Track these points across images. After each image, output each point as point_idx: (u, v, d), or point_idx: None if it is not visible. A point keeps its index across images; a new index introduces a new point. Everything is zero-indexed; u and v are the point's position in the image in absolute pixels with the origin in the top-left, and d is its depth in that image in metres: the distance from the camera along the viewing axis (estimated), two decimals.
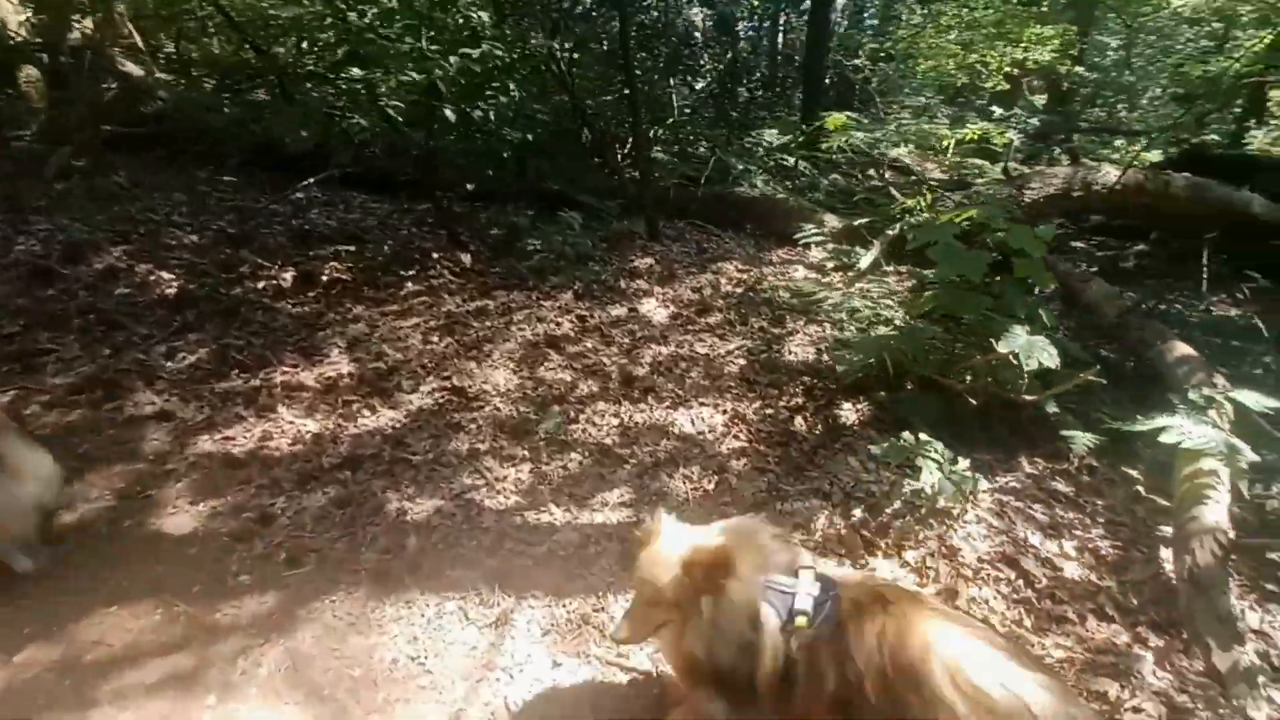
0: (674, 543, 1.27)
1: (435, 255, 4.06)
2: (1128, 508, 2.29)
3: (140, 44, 6.32)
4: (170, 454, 2.24)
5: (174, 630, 1.65)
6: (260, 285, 3.51)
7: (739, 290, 3.86)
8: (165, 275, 3.54)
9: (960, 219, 2.72)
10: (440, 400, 2.64)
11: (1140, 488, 2.37)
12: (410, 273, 3.81)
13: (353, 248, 4.14)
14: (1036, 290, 2.87)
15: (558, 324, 3.37)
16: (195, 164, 5.59)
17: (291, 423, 2.43)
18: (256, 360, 2.80)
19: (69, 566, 1.80)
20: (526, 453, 2.35)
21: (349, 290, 3.55)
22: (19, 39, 5.88)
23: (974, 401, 2.54)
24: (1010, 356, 2.15)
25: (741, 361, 3.05)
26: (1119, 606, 1.86)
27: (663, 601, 1.25)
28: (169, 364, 2.74)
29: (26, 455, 1.77)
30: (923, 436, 2.14)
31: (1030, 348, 2.10)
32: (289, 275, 3.66)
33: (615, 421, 2.57)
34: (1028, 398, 2.38)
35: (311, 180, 5.16)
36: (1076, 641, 1.74)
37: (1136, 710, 1.56)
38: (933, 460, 2.06)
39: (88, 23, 6.46)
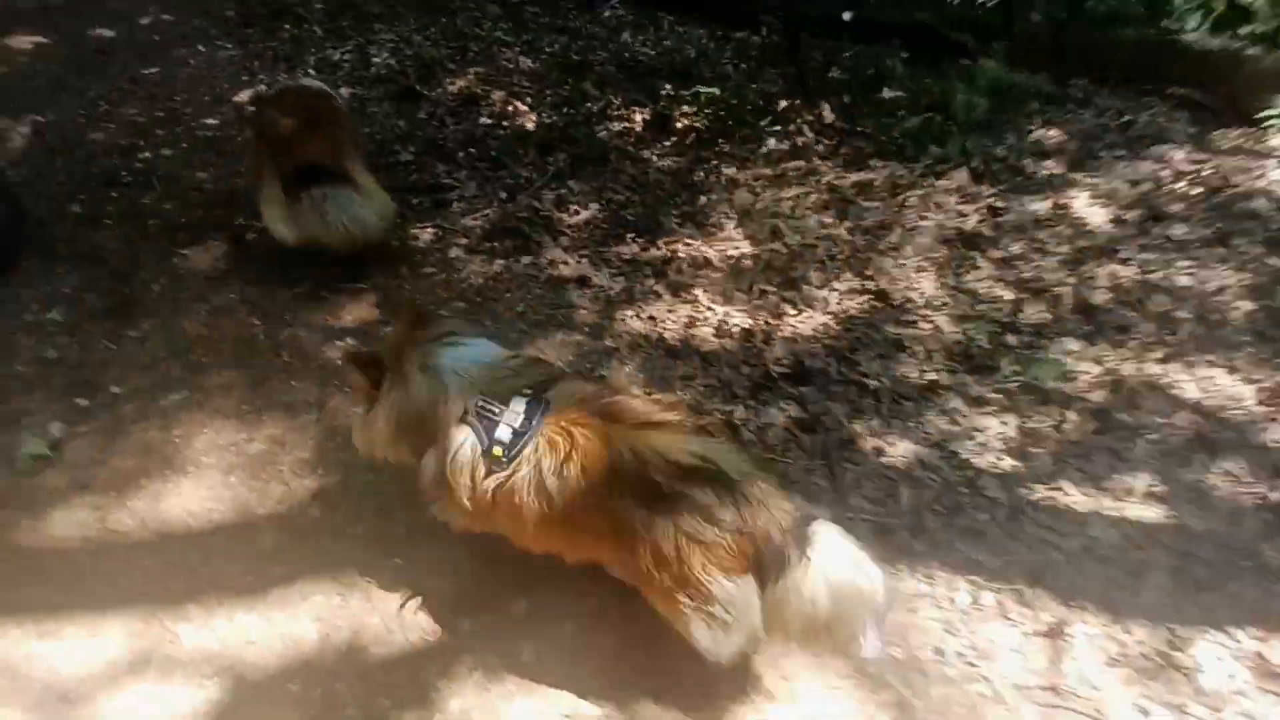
0: None
1: (784, 104, 3.43)
2: None
3: None
4: (603, 328, 2.08)
5: None
6: (616, 128, 3.16)
7: (1198, 191, 2.86)
8: (520, 106, 3.31)
9: None
10: (863, 305, 2.22)
11: None
12: (765, 124, 3.24)
13: (685, 86, 3.63)
14: None
15: (962, 215, 2.71)
16: None
17: (711, 309, 2.16)
18: (649, 222, 2.52)
19: None
20: (1000, 398, 1.90)
21: (705, 142, 3.10)
22: None
23: None
24: None
25: (1249, 305, 2.25)
26: None
27: None
28: (564, 217, 2.54)
29: (375, 190, 2.09)
30: None
31: None
32: (639, 118, 3.28)
33: (1094, 370, 2.01)
34: None
35: None
36: None
37: None
38: None
39: None
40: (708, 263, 2.34)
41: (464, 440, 1.17)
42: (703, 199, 2.66)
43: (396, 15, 4.34)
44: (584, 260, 2.33)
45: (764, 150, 3.07)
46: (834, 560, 1.07)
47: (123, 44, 3.74)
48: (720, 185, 2.77)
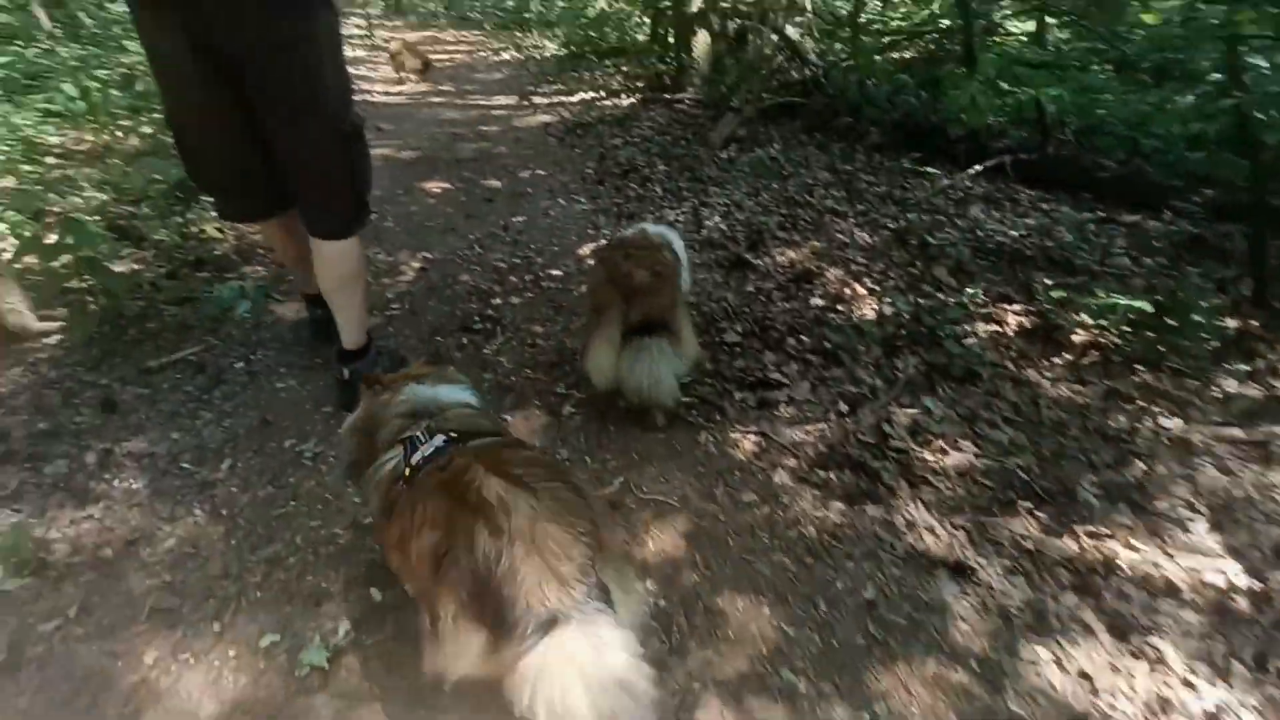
0: None
1: (1236, 324, 2.45)
2: None
3: (808, 4, 6.07)
4: (999, 672, 1.37)
5: None
6: (983, 331, 2.54)
7: None
8: (858, 289, 2.89)
9: None
10: None
11: None
12: (1215, 351, 2.31)
13: (1069, 280, 2.87)
14: None
15: None
16: (832, 138, 5.08)
17: (1192, 686, 1.32)
18: (1053, 487, 1.79)
19: None
20: None
21: (1119, 368, 2.29)
22: (701, 5, 6.27)
23: None
24: None
25: None
26: None
27: None
28: (925, 455, 1.94)
29: (691, 340, 2.01)
30: None
31: None
32: (1012, 321, 2.61)
33: None
34: None
35: (978, 169, 4.04)
36: None
37: None
38: None
39: None
40: (1170, 589, 1.50)
41: (391, 457, 1.27)
42: (1138, 464, 1.84)
43: (729, 179, 4.38)
44: (959, 533, 1.67)
45: (1220, 394, 2.14)
46: (584, 652, 0.92)
47: (504, 193, 4.31)
48: (1162, 445, 1.92)
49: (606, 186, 4.36)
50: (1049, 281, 2.87)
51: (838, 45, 6.55)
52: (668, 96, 6.42)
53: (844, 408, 2.13)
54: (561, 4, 13.47)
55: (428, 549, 1.05)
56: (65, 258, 2.25)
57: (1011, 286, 2.89)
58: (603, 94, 7.25)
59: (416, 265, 3.25)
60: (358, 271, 1.92)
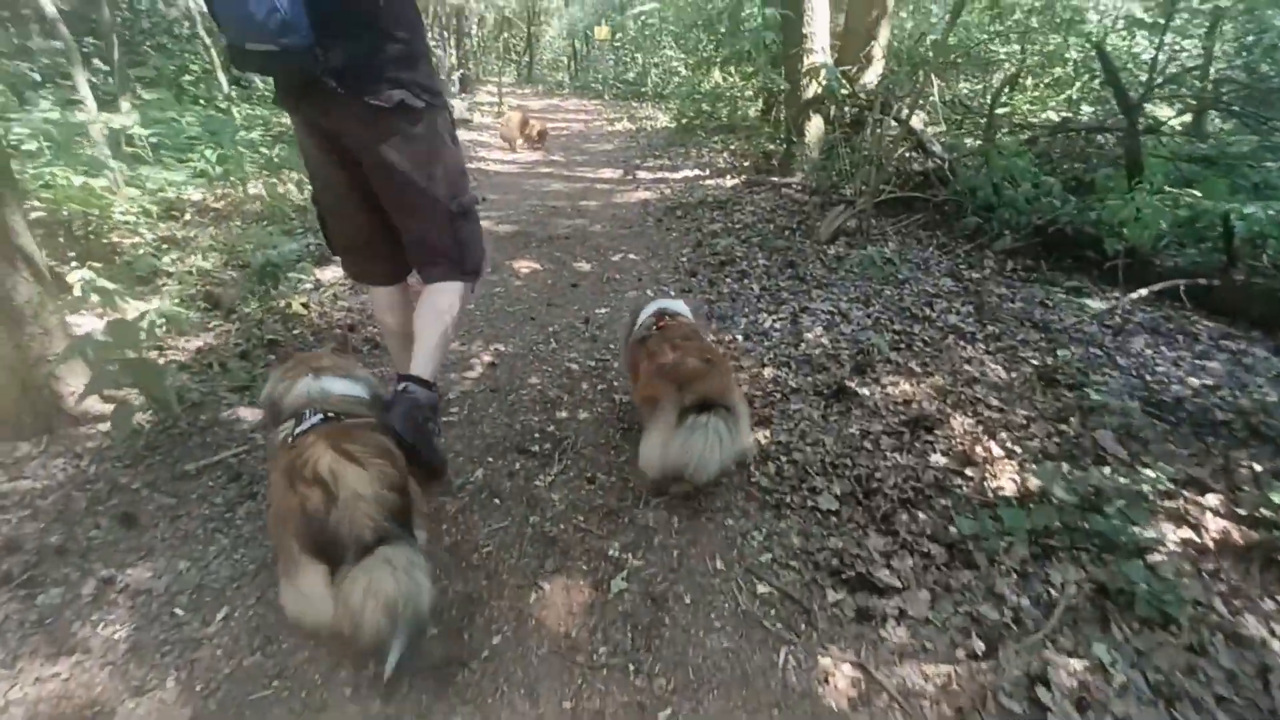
0: None
1: None
2: None
3: (936, 91, 5.65)
4: None
5: None
6: (1171, 535, 1.90)
7: None
8: (992, 449, 2.33)
9: None
10: None
11: None
12: None
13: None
14: None
15: None
16: (957, 239, 4.53)
17: None
18: None
19: None
20: None
21: None
22: (818, 90, 5.97)
23: None
24: None
25: None
26: None
27: None
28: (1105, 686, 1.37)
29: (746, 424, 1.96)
30: None
31: None
32: (1211, 523, 1.96)
33: None
34: None
35: (1142, 293, 3.35)
36: None
37: None
38: None
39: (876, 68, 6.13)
40: None
41: (288, 425, 1.55)
42: None
43: (836, 280, 3.93)
44: None
45: None
46: (381, 567, 1.26)
47: (591, 279, 4.09)
48: None
49: (700, 279, 4.03)
50: (1257, 467, 2.18)
51: (967, 137, 6.03)
52: (774, 180, 6.11)
53: (978, 644, 1.58)
54: (678, 79, 13.79)
55: (283, 509, 1.35)
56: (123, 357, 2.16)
57: (1204, 467, 2.21)
58: (707, 172, 7.06)
59: (487, 359, 3.02)
60: (447, 316, 1.97)
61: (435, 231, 1.90)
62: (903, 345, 3.13)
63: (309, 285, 3.64)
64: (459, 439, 2.41)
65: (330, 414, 1.53)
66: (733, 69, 11.18)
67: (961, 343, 3.14)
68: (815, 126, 6.09)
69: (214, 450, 2.18)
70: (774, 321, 3.41)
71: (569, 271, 4.20)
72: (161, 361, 2.58)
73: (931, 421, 2.48)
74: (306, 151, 1.87)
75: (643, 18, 15.25)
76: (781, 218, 5.19)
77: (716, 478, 1.91)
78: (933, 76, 5.53)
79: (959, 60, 6.11)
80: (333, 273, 3.85)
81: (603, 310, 3.59)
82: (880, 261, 4.09)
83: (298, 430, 1.48)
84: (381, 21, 1.66)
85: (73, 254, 3.39)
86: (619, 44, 21.05)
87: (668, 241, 4.80)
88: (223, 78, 10.00)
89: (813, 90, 5.87)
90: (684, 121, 10.90)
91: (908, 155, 5.27)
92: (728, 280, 3.99)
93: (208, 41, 9.96)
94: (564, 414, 2.59)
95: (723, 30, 11.32)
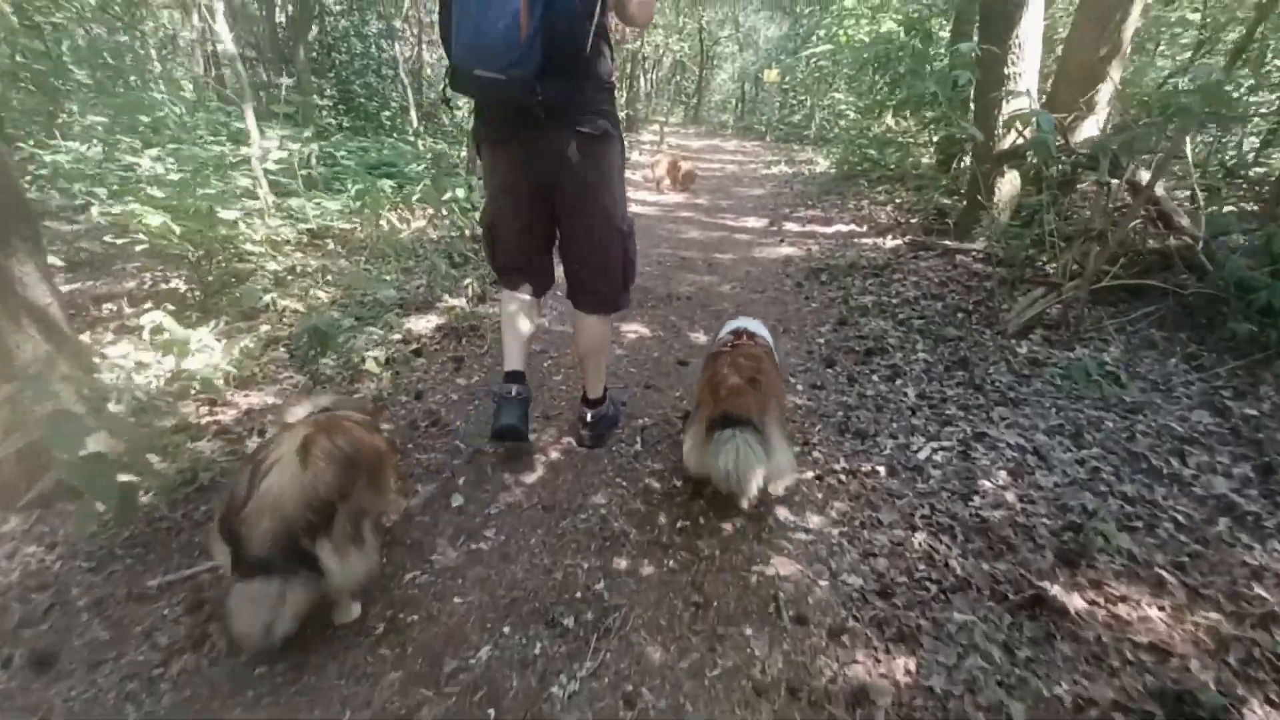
0: None
1: None
2: None
3: (1187, 150, 4.26)
4: None
5: None
6: None
7: None
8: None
9: None
10: None
11: None
12: None
13: None
14: None
15: None
16: (1218, 351, 3.20)
17: None
18: None
19: None
20: None
21: None
22: (1021, 138, 4.81)
23: None
24: None
25: None
26: None
27: None
28: None
29: (783, 449, 1.94)
30: None
31: None
32: None
33: None
34: None
35: None
36: None
37: None
38: None
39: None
40: None
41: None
42: None
43: (1029, 396, 2.86)
44: None
45: None
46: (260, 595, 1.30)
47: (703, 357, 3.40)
48: None
49: (838, 372, 3.16)
50: None
51: (1226, 206, 4.50)
52: (947, 244, 5.00)
53: None
54: (844, 122, 12.76)
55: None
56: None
57: None
58: (865, 228, 6.08)
59: (552, 457, 2.43)
60: (606, 342, 2.40)
61: (609, 243, 2.10)
62: (1139, 524, 2.05)
63: (397, 338, 3.34)
64: (479, 584, 1.82)
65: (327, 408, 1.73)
66: (908, 114, 10.01)
67: (1241, 533, 1.99)
68: (1009, 184, 4.91)
69: (192, 558, 1.79)
70: (934, 452, 2.47)
71: (680, 344, 3.53)
72: (201, 421, 2.30)
73: (1206, 703, 1.44)
74: (500, 177, 2.05)
75: (815, 59, 14.44)
76: (954, 294, 4.13)
77: (764, 494, 1.98)
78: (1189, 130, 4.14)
79: (1232, 111, 4.60)
80: (428, 322, 3.54)
81: (688, 364, 2.87)
82: (1097, 373, 2.94)
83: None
84: (587, 64, 1.82)
85: (196, 288, 3.38)
86: (788, 86, 20.37)
87: (804, 314, 3.97)
88: (414, 114, 10.88)
89: (1011, 141, 4.72)
90: (845, 167, 9.90)
91: (1140, 228, 3.96)
92: (874, 377, 3.08)
93: (406, 82, 10.89)
94: (623, 563, 1.91)
95: (900, 70, 10.18)
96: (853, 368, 3.19)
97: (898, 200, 7.21)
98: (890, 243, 5.43)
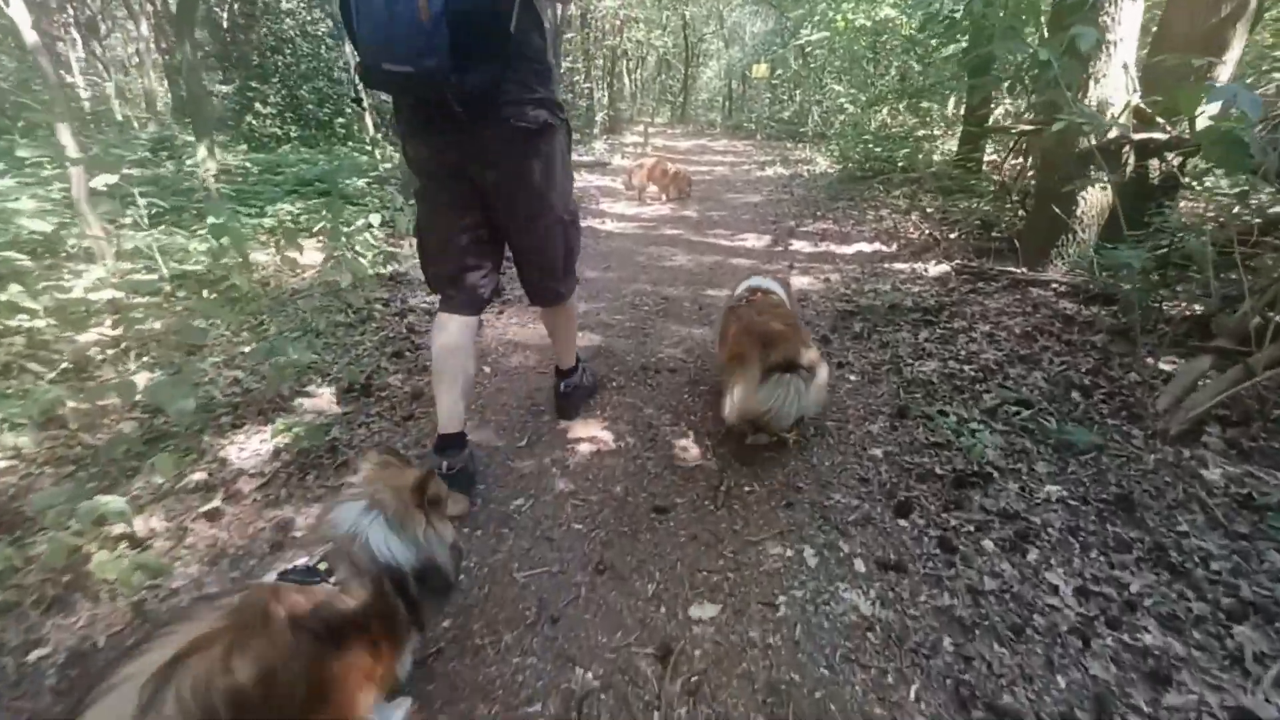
0: None
1: None
2: None
3: None
4: None
5: None
6: None
7: None
8: None
9: None
10: None
11: None
12: None
13: None
14: None
15: None
16: None
17: None
18: None
19: None
20: None
21: None
22: (1117, 133, 3.52)
23: None
24: None
25: None
26: None
27: None
28: None
29: (822, 382, 2.05)
30: None
31: None
32: None
33: None
34: None
35: None
36: None
37: None
38: None
39: None
40: None
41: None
42: None
43: (1259, 573, 1.56)
44: None
45: None
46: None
47: (693, 498, 2.07)
48: None
49: (919, 528, 1.85)
50: None
51: None
52: (1015, 273, 3.71)
53: None
54: (844, 116, 11.42)
55: None
56: None
57: None
58: (894, 247, 4.77)
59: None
60: (570, 318, 2.30)
61: (551, 238, 1.91)
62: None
63: (190, 482, 2.00)
64: None
65: (326, 569, 0.98)
66: (927, 103, 8.73)
67: None
68: (1097, 195, 3.61)
69: None
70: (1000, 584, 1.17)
71: (660, 463, 2.22)
72: None
73: None
74: (424, 179, 1.81)
75: (809, 48, 13.11)
76: (1052, 356, 2.82)
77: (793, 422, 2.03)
78: None
79: None
80: (257, 447, 2.21)
81: (704, 615, 1.57)
82: None
83: (280, 570, 0.99)
84: (513, 46, 1.55)
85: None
86: (778, 81, 19.05)
87: (842, 394, 2.65)
88: (369, 120, 9.51)
89: (1110, 133, 3.43)
90: (849, 166, 8.60)
91: None
92: (984, 543, 1.77)
93: (359, 85, 9.50)
94: None
95: (921, 51, 8.86)
96: (942, 517, 1.88)
97: (924, 207, 5.90)
98: (933, 268, 4.13)
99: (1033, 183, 4.50)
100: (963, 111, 8.34)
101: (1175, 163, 3.36)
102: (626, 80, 25.77)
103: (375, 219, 4.15)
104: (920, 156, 8.25)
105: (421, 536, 1.11)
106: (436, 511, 1.18)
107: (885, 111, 9.69)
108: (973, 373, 2.71)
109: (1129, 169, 3.49)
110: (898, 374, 2.77)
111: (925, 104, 8.76)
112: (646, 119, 22.95)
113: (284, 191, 5.86)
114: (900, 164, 7.98)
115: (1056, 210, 3.64)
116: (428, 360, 2.54)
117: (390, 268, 4.01)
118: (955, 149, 8.88)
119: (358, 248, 3.88)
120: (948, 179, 6.86)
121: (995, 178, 6.94)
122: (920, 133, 8.41)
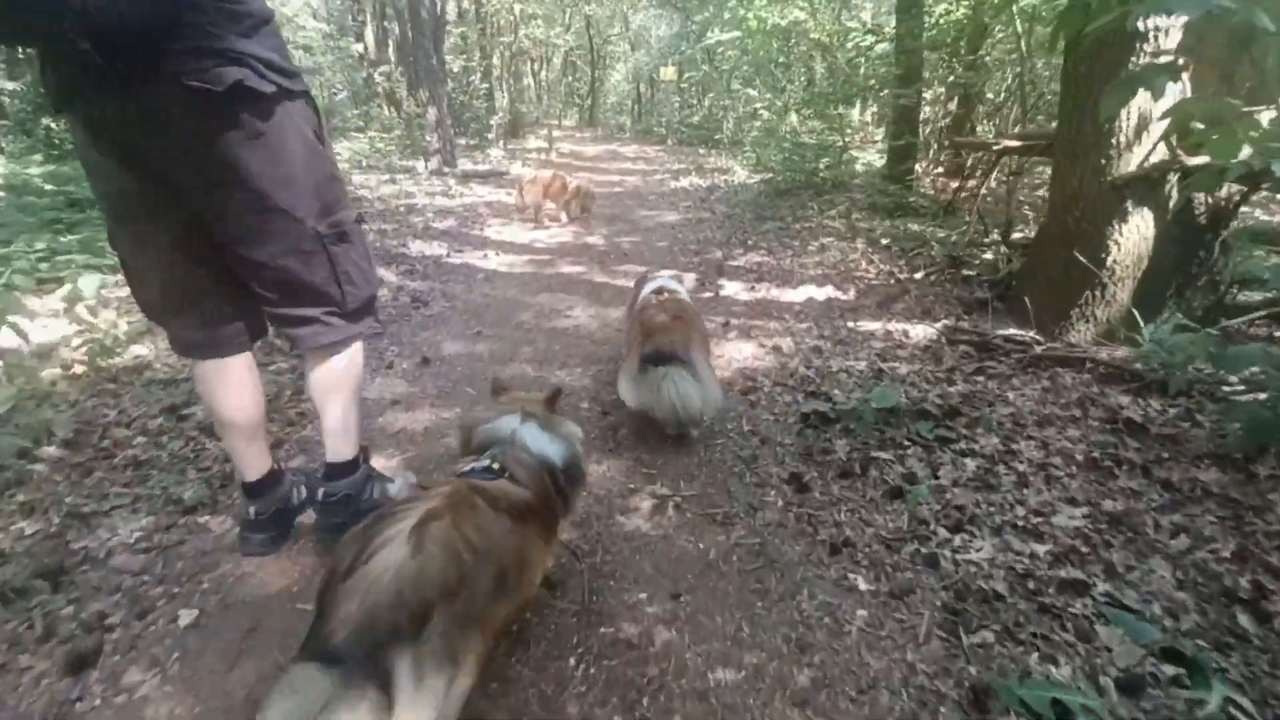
0: None
1: None
2: None
3: None
4: None
5: None
6: None
7: None
8: None
9: None
10: None
11: None
12: None
13: None
14: None
15: None
16: None
17: None
18: None
19: None
20: None
21: None
22: (1167, 155, 2.57)
23: None
24: None
25: None
26: None
27: None
28: None
29: (710, 380, 2.04)
30: None
31: None
32: None
33: None
34: None
35: None
36: None
37: None
38: None
39: None
40: None
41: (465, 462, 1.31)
42: None
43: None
44: None
45: None
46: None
47: None
48: None
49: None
50: None
51: None
52: (1035, 347, 2.67)
53: None
54: (759, 123, 10.52)
55: None
56: None
57: None
58: (851, 293, 3.67)
59: None
60: (348, 379, 1.47)
61: (299, 263, 1.27)
62: None
63: None
64: None
65: (500, 468, 1.21)
66: (847, 108, 7.92)
67: None
68: (1137, 231, 2.63)
69: None
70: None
71: None
72: None
73: None
74: (92, 169, 1.21)
75: (719, 49, 12.16)
76: (1155, 515, 1.75)
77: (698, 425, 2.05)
78: None
79: None
80: None
81: None
82: None
83: (461, 470, 1.23)
84: None
85: None
86: (686, 85, 18.12)
87: (854, 639, 1.43)
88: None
89: (1143, 155, 2.45)
90: (773, 178, 7.62)
91: None
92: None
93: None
94: None
95: (830, 58, 8.02)
96: None
97: (869, 230, 4.90)
98: (916, 331, 3.05)
99: (1032, 217, 3.55)
100: (884, 123, 7.60)
101: (1236, 195, 2.44)
102: (531, 81, 24.03)
103: (87, 285, 2.52)
104: (843, 167, 7.41)
105: (565, 435, 1.35)
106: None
107: (794, 117, 8.85)
108: (1050, 560, 1.57)
109: (1171, 202, 2.53)
110: (933, 567, 1.59)
111: (833, 110, 7.98)
112: (553, 122, 21.39)
113: (41, 222, 4.04)
114: (822, 175, 7.09)
115: (1079, 257, 2.64)
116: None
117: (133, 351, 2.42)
118: (876, 160, 8.15)
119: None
120: (882, 194, 5.99)
121: (934, 194, 6.12)
122: (833, 140, 7.56)
